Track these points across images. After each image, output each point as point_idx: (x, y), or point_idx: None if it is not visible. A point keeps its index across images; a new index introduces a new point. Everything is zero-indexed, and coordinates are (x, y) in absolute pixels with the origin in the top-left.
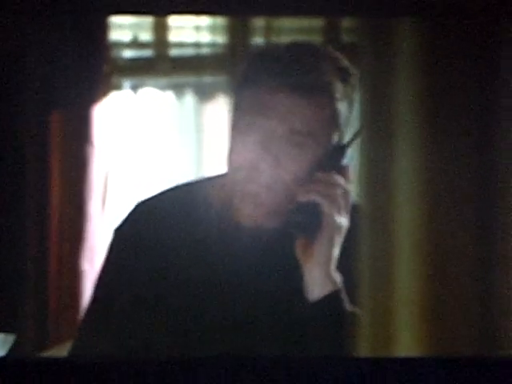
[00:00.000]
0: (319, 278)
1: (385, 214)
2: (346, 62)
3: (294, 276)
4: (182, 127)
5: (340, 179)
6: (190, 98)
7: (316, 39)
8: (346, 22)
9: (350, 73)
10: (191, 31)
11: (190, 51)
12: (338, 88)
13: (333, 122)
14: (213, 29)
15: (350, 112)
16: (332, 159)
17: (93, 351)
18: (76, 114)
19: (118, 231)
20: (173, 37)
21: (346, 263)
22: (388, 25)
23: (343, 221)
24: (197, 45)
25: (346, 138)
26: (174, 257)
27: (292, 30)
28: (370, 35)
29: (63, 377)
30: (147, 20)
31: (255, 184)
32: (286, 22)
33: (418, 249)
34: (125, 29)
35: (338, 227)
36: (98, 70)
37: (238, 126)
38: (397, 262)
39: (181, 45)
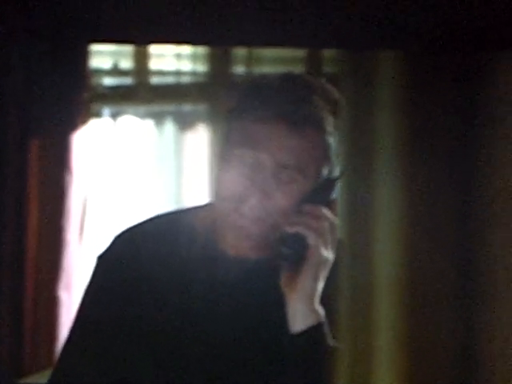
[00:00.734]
0: (302, 310)
1: (366, 249)
2: (337, 95)
3: (277, 307)
4: (161, 155)
5: (328, 213)
6: (169, 126)
7: (297, 69)
8: (328, 53)
9: (341, 105)
10: (172, 59)
11: (170, 79)
12: (330, 121)
13: (323, 155)
14: (194, 57)
15: (339, 145)
16: (321, 193)
17: (73, 379)
18: (55, 141)
19: (101, 258)
20: (153, 65)
21: (328, 297)
22: (369, 57)
23: (329, 254)
24: (177, 73)
25: (336, 172)
26: (157, 285)
27: (273, 59)
28: (351, 67)
29: None
30: (128, 48)
31: (241, 216)
32: (268, 52)
33: (399, 284)
34: (105, 56)
35: (324, 261)
36: (77, 97)
37: (226, 157)
38: (378, 298)
39: (161, 73)
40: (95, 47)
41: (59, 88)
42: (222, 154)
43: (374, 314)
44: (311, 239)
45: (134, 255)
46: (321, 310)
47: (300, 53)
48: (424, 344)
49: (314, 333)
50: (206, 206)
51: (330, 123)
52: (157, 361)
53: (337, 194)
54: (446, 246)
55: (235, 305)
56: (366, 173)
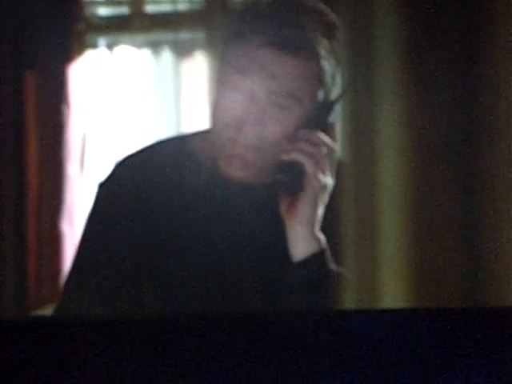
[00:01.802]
0: (303, 237)
1: (369, 171)
2: (332, 17)
3: (278, 235)
4: (159, 84)
5: (325, 137)
6: (167, 55)
7: None
8: None
9: (337, 28)
10: None
11: (166, 7)
12: (323, 44)
13: (317, 80)
14: None
15: (336, 69)
16: (318, 117)
17: (79, 310)
18: (51, 73)
19: (103, 186)
20: None
21: (331, 222)
22: None
23: (327, 180)
24: (174, 1)
25: (333, 96)
26: (159, 212)
27: None
28: None
29: (46, 337)
30: None
31: (237, 145)
32: None
33: (403, 206)
34: None
35: (322, 187)
36: (72, 29)
37: (220, 86)
38: (381, 220)
39: (157, 1)
40: None
41: (53, 20)
42: (217, 82)
43: (378, 236)
44: (308, 166)
45: (135, 181)
46: (322, 237)
47: None
48: (430, 266)
49: (315, 260)
50: (206, 131)
51: (323, 46)
52: (161, 289)
53: (335, 117)
54: (452, 167)
55: (238, 233)
56: (368, 94)
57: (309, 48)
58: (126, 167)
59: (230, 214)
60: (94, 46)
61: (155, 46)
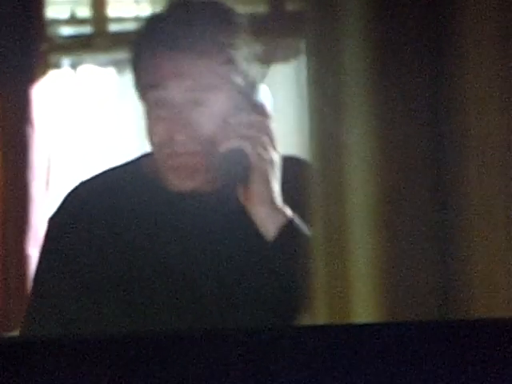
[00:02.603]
0: (267, 214)
1: (338, 180)
2: (226, 4)
3: (247, 224)
4: (124, 103)
5: (255, 116)
6: (131, 74)
7: (260, 9)
8: None
9: (234, 13)
10: (131, 5)
11: (130, 26)
12: (226, 33)
13: (230, 67)
14: (153, 2)
15: (247, 50)
16: (243, 101)
17: (42, 333)
18: (14, 94)
19: (52, 220)
20: (112, 12)
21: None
22: None
23: (272, 154)
24: (137, 19)
25: (252, 76)
26: (117, 237)
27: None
28: (316, 3)
29: (12, 359)
30: None
31: (177, 157)
32: None
33: (374, 218)
34: (61, 5)
35: (269, 162)
36: (35, 49)
37: (144, 105)
38: (351, 232)
39: (120, 20)
40: None
41: (15, 40)
42: (140, 97)
43: (349, 249)
44: (247, 147)
45: (85, 213)
46: (287, 208)
47: None
48: (402, 279)
49: (288, 230)
50: (150, 153)
51: (226, 35)
52: (128, 309)
53: (262, 96)
54: (421, 164)
55: (206, 239)
56: (336, 103)
57: (212, 41)
58: (75, 199)
59: (195, 225)
60: (58, 65)
61: (119, 65)
